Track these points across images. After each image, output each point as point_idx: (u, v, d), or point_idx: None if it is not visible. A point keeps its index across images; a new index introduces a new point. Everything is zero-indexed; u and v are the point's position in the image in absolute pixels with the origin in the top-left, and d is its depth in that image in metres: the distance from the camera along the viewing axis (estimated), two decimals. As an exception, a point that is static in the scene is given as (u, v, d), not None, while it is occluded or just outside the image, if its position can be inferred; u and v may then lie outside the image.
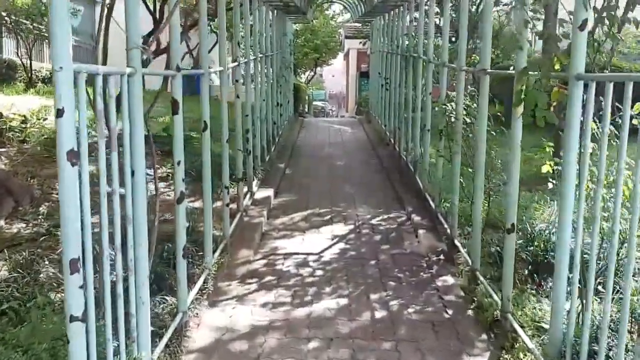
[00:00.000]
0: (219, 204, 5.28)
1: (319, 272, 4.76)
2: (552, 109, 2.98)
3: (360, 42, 22.18)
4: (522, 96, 2.90)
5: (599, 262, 3.53)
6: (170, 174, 7.02)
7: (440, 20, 8.25)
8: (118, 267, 2.35)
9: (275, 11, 10.33)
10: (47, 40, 14.79)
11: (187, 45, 19.15)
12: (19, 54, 13.14)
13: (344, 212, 6.55)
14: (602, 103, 2.47)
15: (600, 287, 3.22)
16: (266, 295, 4.28)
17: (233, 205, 5.90)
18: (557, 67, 2.86)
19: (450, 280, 4.57)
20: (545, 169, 4.02)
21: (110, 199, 2.27)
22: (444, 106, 5.51)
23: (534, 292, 4.15)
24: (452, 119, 5.31)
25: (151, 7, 9.95)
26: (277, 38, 10.64)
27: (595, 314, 3.01)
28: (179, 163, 3.40)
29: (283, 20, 11.66)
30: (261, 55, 8.02)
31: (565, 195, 2.88)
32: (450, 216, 5.19)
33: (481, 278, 4.18)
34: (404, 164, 8.42)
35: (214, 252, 4.60)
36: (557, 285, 2.93)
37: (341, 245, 5.48)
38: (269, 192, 7.17)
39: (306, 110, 22.84)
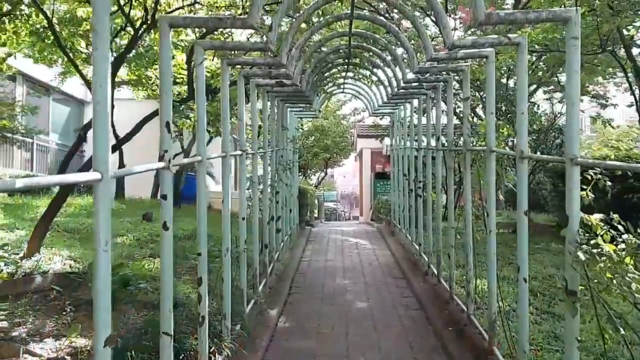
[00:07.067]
0: None
1: None
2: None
3: (378, 139, 19.95)
4: None
5: None
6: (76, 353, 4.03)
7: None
8: None
9: (272, 99, 7.88)
10: None
11: (181, 143, 17.02)
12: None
13: None
14: None
15: None
16: None
17: None
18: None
19: None
20: None
21: None
22: (586, 247, 2.62)
23: None
24: (617, 275, 2.43)
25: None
26: (273, 132, 8.10)
27: None
28: None
29: (282, 110, 9.22)
30: (239, 152, 5.34)
31: None
32: None
33: None
34: (462, 314, 5.37)
35: None
36: None
37: None
38: (243, 380, 4.12)
39: (315, 216, 20.10)
